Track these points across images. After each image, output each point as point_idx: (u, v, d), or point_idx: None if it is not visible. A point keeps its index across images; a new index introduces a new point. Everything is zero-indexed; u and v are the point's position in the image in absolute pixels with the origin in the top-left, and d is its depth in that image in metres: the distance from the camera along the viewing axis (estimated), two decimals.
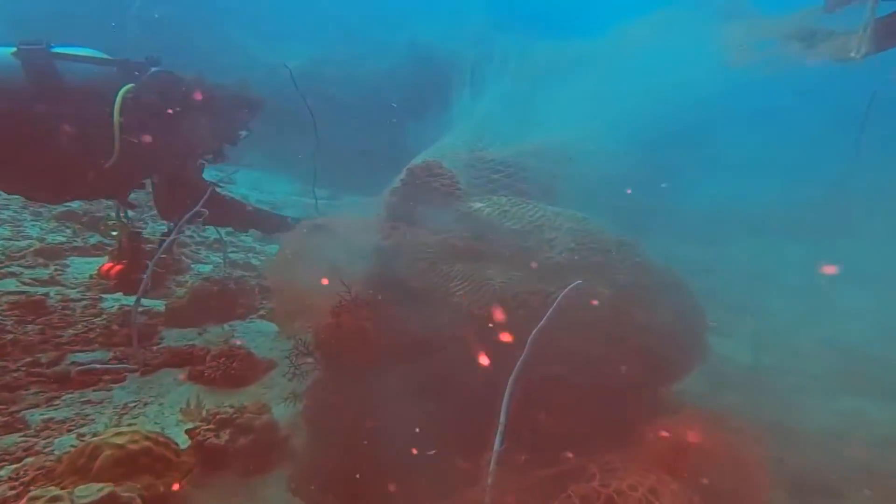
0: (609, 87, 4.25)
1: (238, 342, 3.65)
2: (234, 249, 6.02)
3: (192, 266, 5.28)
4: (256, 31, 11.94)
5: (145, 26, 10.21)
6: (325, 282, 2.84)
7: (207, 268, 5.26)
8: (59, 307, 3.93)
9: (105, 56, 3.55)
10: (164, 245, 3.55)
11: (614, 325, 2.41)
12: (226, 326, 4.08)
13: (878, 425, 3.29)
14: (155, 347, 3.66)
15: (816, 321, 4.76)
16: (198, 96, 3.72)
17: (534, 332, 2.11)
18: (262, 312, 4.36)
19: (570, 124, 4.06)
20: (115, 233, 3.95)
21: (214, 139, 3.98)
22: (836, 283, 5.36)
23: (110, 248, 4.77)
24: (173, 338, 3.84)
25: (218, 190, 3.96)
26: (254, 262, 5.74)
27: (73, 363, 3.31)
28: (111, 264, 3.92)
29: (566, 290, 2.21)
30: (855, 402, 3.53)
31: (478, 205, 2.97)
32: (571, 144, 3.86)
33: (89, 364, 3.32)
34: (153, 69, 3.57)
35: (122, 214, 3.97)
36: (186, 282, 4.65)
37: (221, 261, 5.34)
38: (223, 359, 3.35)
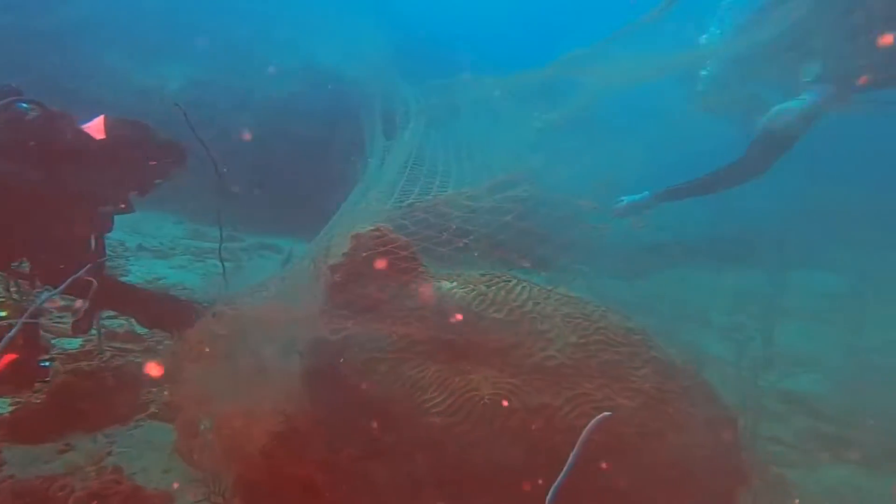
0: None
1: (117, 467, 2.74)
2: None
3: (54, 343, 4.19)
4: (122, 49, 10.50)
5: None
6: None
7: (76, 343, 4.18)
8: None
9: None
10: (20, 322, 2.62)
11: (642, 450, 1.89)
12: (99, 437, 3.12)
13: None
14: None
15: (766, 370, 4.59)
16: (93, 137, 3.03)
17: (552, 488, 1.54)
18: (152, 410, 3.43)
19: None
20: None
21: (117, 188, 3.24)
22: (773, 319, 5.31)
23: None
24: (19, 462, 2.84)
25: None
26: (139, 330, 4.71)
27: None
28: None
29: (591, 424, 1.66)
30: (840, 473, 3.27)
31: (447, 285, 2.36)
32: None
33: None
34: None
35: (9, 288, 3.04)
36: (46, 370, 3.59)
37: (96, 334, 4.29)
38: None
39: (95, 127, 3.19)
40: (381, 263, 2.40)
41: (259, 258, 6.97)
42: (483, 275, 2.44)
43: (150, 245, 6.74)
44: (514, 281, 2.37)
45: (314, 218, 8.06)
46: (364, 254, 2.41)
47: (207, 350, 2.58)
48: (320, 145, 8.73)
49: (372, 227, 2.49)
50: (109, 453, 2.96)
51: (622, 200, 4.50)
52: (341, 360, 2.30)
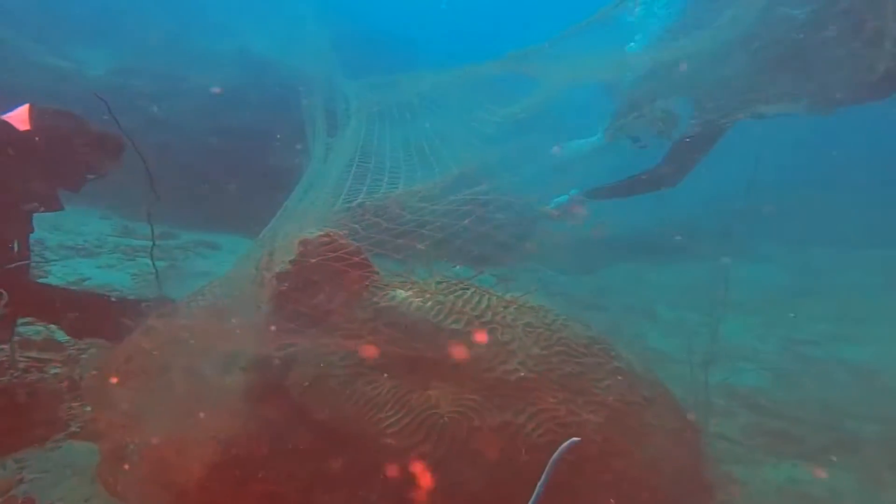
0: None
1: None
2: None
3: None
4: (37, 33, 9.66)
5: None
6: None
7: None
8: None
9: None
10: None
11: (608, 468, 1.81)
12: (9, 463, 2.81)
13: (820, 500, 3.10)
14: None
15: (712, 365, 4.67)
16: (16, 128, 2.71)
17: None
18: (72, 428, 3.12)
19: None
20: None
21: (39, 183, 2.90)
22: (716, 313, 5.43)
23: None
24: None
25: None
26: (59, 337, 4.33)
27: None
28: None
29: (561, 448, 1.57)
30: (785, 472, 3.34)
31: (401, 294, 2.21)
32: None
33: None
34: None
35: None
36: None
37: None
38: None
39: (19, 117, 2.86)
40: (330, 271, 2.23)
41: (196, 256, 6.59)
42: (440, 283, 2.31)
43: (73, 243, 6.25)
44: (473, 290, 2.25)
45: (253, 213, 7.72)
46: (312, 260, 2.24)
47: (137, 366, 2.35)
48: (258, 137, 8.36)
49: (320, 232, 2.31)
50: (21, 480, 2.66)
51: (553, 203, 4.56)
52: (287, 376, 2.13)
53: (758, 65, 3.14)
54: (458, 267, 2.53)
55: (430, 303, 2.14)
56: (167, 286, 4.35)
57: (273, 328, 2.13)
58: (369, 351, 2.05)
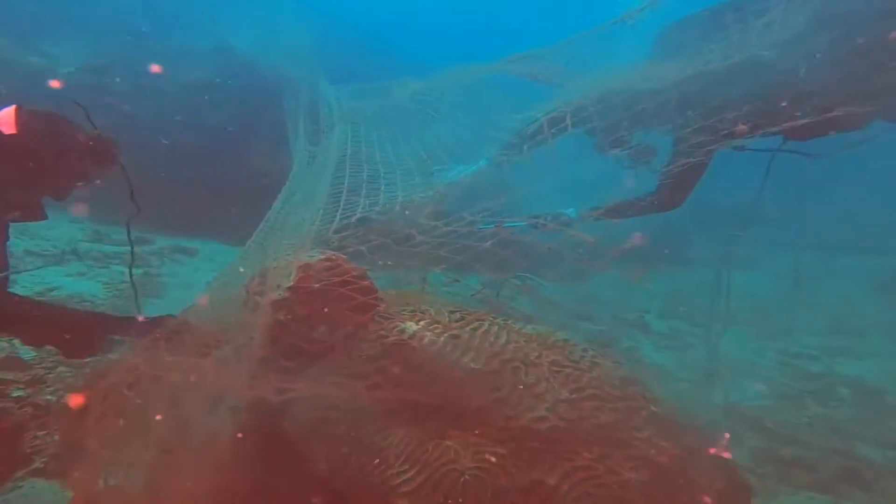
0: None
1: None
2: None
3: None
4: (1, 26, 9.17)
5: None
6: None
7: None
8: None
9: None
10: None
11: None
12: None
13: None
14: None
15: (714, 383, 4.54)
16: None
17: None
18: (36, 464, 2.82)
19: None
20: None
21: (22, 191, 2.60)
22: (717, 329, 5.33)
23: None
24: None
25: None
26: (23, 354, 3.99)
27: None
28: None
29: None
30: (799, 501, 3.20)
31: (412, 327, 1.98)
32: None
33: None
34: None
35: None
36: None
37: None
38: None
39: (4, 119, 2.55)
40: (332, 300, 2.00)
41: (172, 263, 6.26)
42: (453, 311, 2.09)
43: (40, 249, 5.88)
44: (489, 321, 2.03)
45: (231, 218, 7.40)
46: (314, 286, 2.00)
47: (115, 404, 2.09)
48: (237, 137, 8.03)
49: (322, 256, 2.08)
50: None
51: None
52: (284, 421, 1.90)
53: (733, 101, 3.16)
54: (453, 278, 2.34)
55: (443, 337, 1.92)
56: (144, 297, 4.07)
57: (269, 365, 1.89)
58: (377, 394, 1.83)
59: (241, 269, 2.95)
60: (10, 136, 2.49)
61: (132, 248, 2.86)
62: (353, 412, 1.82)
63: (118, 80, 8.40)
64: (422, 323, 1.99)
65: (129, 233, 2.91)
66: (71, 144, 2.69)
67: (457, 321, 2.02)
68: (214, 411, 1.95)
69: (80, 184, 2.86)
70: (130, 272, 2.84)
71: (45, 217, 2.84)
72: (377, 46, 12.18)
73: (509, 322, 2.02)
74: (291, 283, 2.04)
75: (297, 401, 1.86)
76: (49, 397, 3.33)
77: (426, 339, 1.92)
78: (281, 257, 2.30)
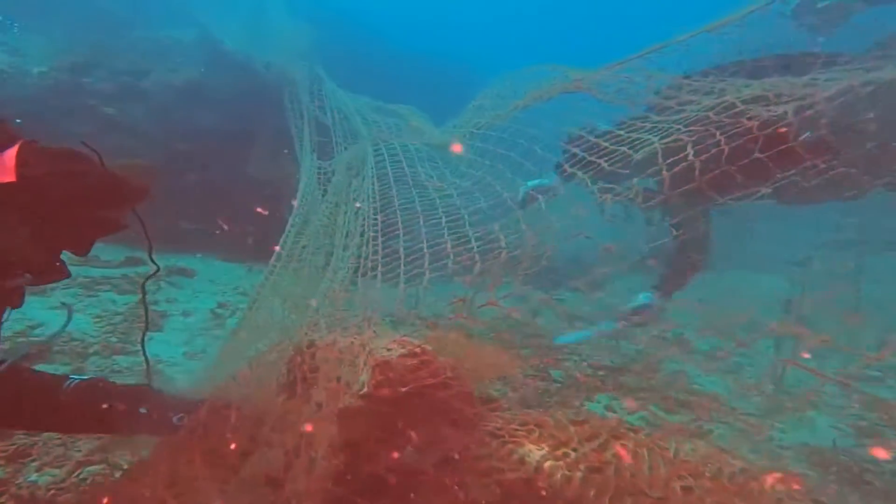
0: None
1: None
2: None
3: None
4: None
5: None
6: None
7: None
8: None
9: None
10: None
11: None
12: None
13: None
14: None
15: (777, 415, 4.12)
16: None
17: None
18: None
19: None
20: None
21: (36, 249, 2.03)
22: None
23: None
24: None
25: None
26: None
27: None
28: None
29: None
30: None
31: (533, 452, 1.49)
32: None
33: None
34: None
35: None
36: None
37: None
38: None
39: (4, 163, 1.94)
40: (424, 410, 1.50)
41: (169, 287, 5.70)
42: (574, 418, 1.60)
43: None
44: (633, 436, 1.55)
45: (230, 231, 6.81)
46: (401, 390, 1.50)
47: None
48: (234, 142, 7.43)
49: (402, 350, 1.57)
50: None
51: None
52: None
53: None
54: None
55: (581, 472, 1.43)
56: (138, 333, 3.52)
57: None
58: None
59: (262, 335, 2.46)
60: (14, 182, 1.91)
61: (146, 314, 2.32)
62: None
63: (97, 79, 7.72)
64: (545, 446, 1.49)
65: (143, 297, 2.38)
66: (92, 187, 2.10)
67: (585, 438, 1.53)
68: None
69: (106, 234, 2.28)
70: (143, 345, 2.30)
71: (67, 275, 2.25)
72: (376, 40, 11.57)
73: (658, 441, 1.53)
74: (365, 389, 1.54)
75: None
76: (35, 478, 2.75)
77: (559, 476, 1.43)
78: (329, 324, 1.81)
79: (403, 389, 1.48)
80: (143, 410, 2.18)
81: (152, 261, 2.22)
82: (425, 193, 2.68)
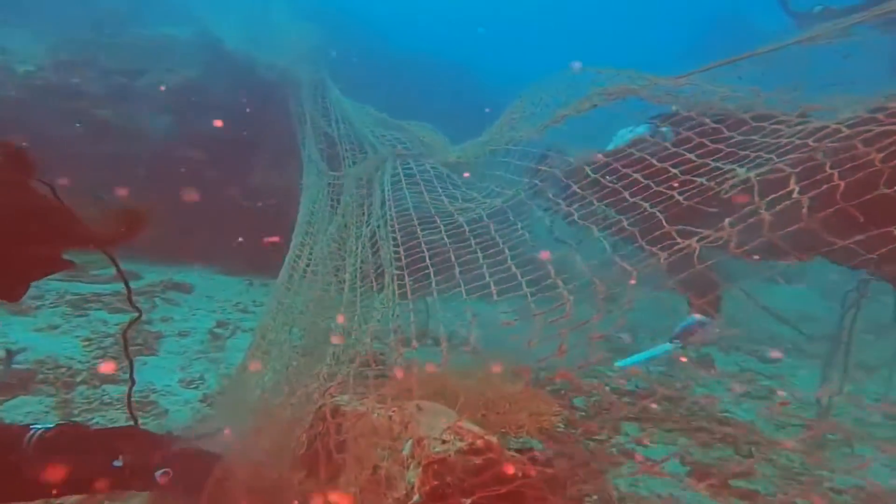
0: None
1: None
2: None
3: None
4: None
5: None
6: None
7: None
8: None
9: None
10: None
11: None
12: None
13: None
14: None
15: (823, 451, 3.83)
16: None
17: None
18: None
19: None
20: None
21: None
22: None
23: None
24: None
25: None
26: None
27: None
28: None
29: None
30: None
31: None
32: None
33: None
34: None
35: None
36: None
37: None
38: None
39: None
40: None
41: (165, 304, 5.35)
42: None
43: None
44: None
45: (228, 241, 6.44)
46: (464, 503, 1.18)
47: None
48: (234, 148, 7.08)
49: (461, 443, 1.25)
50: None
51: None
52: None
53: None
54: None
55: None
56: (134, 355, 3.17)
57: None
58: None
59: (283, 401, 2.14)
60: None
61: (132, 372, 1.99)
62: None
63: (89, 79, 7.34)
64: None
65: (127, 348, 2.05)
66: (34, 215, 1.78)
67: None
68: None
69: (49, 273, 1.95)
70: (129, 402, 1.97)
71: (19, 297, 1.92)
72: (380, 42, 11.22)
73: None
74: (417, 496, 1.21)
75: None
76: None
77: None
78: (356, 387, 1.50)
79: (467, 502, 1.15)
80: (117, 463, 1.87)
81: (133, 306, 1.91)
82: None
